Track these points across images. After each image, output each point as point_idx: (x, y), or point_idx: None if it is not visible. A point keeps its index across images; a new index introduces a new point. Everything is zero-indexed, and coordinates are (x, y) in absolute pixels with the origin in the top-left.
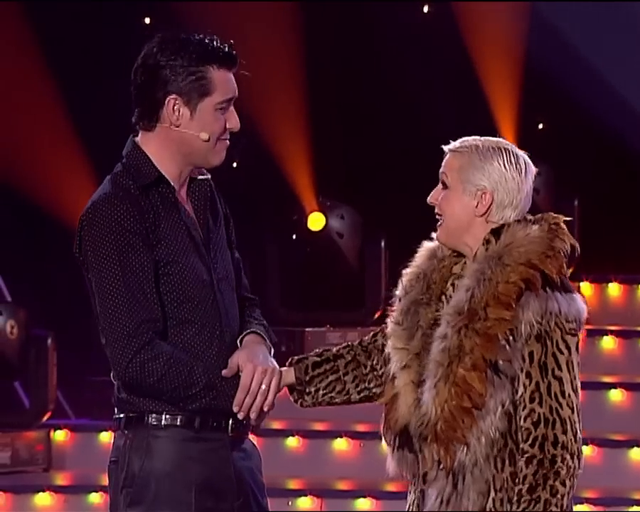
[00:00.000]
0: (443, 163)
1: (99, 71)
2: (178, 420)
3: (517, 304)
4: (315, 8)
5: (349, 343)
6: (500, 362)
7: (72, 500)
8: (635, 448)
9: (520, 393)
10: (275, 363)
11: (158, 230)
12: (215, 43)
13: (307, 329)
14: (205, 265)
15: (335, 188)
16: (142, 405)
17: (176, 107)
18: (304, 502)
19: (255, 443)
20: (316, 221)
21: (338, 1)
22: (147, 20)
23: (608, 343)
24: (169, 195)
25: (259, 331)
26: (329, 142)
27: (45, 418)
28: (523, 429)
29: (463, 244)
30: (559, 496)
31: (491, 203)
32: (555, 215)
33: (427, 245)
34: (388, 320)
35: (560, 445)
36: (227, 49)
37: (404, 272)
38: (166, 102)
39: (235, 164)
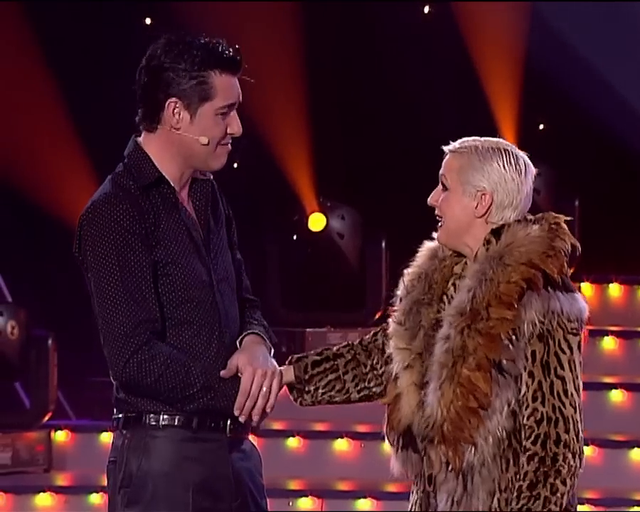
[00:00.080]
0: (442, 165)
1: (99, 71)
2: (176, 420)
3: (519, 303)
4: (315, 9)
5: (349, 342)
6: (504, 361)
7: (72, 501)
8: (635, 448)
9: (522, 392)
10: (275, 363)
11: (158, 230)
12: (219, 47)
13: (308, 330)
14: (205, 266)
15: (335, 188)
16: (140, 405)
17: (176, 111)
18: (305, 502)
19: (255, 444)
20: (316, 221)
21: (338, 2)
22: (148, 21)
23: (608, 343)
24: (170, 196)
25: (258, 332)
26: (330, 142)
27: (45, 418)
28: (526, 427)
29: (463, 244)
30: (559, 494)
31: (491, 204)
32: (556, 214)
33: (428, 245)
34: (390, 320)
35: (562, 444)
36: (231, 54)
37: (405, 271)
38: (167, 104)
39: (235, 165)
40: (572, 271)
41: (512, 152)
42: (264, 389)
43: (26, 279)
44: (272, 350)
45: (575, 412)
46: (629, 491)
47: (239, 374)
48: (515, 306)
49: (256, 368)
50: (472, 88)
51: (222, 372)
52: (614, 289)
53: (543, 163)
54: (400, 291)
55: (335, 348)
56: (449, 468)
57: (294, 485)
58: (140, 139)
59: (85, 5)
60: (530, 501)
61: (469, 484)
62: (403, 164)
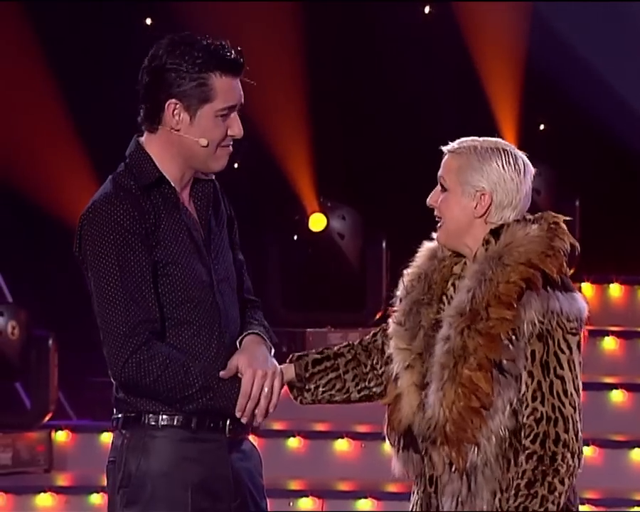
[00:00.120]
0: (441, 165)
1: (99, 71)
2: (175, 421)
3: (518, 303)
4: (316, 9)
5: (350, 342)
6: (505, 361)
7: (73, 501)
8: (636, 449)
9: (522, 392)
10: (276, 362)
11: (158, 230)
12: (221, 49)
13: (308, 330)
14: (206, 266)
15: (336, 188)
16: (139, 405)
17: (175, 112)
18: (305, 503)
19: (255, 444)
20: (317, 222)
21: (339, 2)
22: (148, 21)
23: (609, 343)
24: (171, 196)
25: (259, 332)
26: (330, 143)
27: (46, 419)
28: (526, 426)
29: (463, 245)
30: (556, 493)
31: (490, 204)
32: (555, 214)
33: (427, 245)
34: (390, 320)
35: (561, 443)
36: (233, 56)
37: (405, 272)
38: (166, 105)
39: (236, 165)
40: (572, 271)
41: (511, 152)
42: (266, 390)
43: (27, 279)
44: (273, 350)
45: (575, 411)
46: (630, 491)
47: (239, 375)
48: (515, 306)
49: (256, 369)
50: (472, 88)
51: (221, 373)
52: (615, 289)
53: (543, 163)
54: (399, 292)
55: (335, 348)
56: (453, 468)
57: (294, 485)
58: (142, 139)
59: (85, 5)
60: (528, 500)
61: (473, 484)
62: (403, 164)
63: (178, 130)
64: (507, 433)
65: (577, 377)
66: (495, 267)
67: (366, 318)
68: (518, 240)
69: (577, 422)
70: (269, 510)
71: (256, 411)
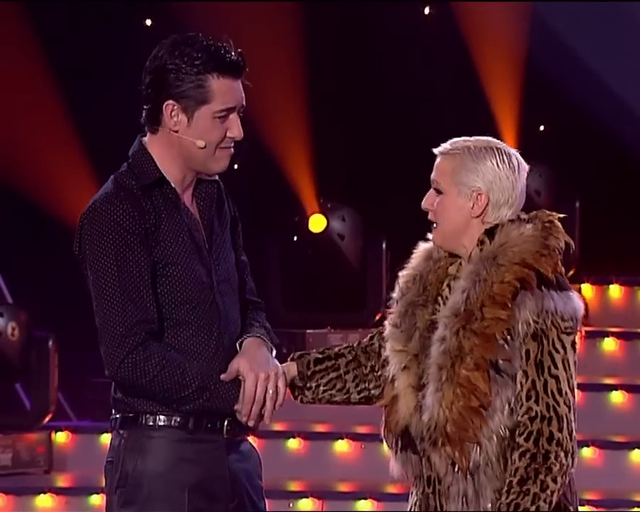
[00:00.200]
0: (434, 168)
1: (99, 71)
2: (173, 421)
3: (513, 303)
4: (316, 9)
5: (350, 343)
6: (501, 361)
7: (73, 502)
8: (636, 450)
9: (517, 391)
10: (277, 363)
11: (158, 231)
12: (221, 50)
13: (308, 331)
14: (206, 267)
15: (336, 189)
16: (137, 406)
17: (173, 113)
18: (305, 504)
19: (255, 445)
20: (317, 223)
21: (338, 2)
22: (148, 22)
23: (609, 344)
24: (171, 197)
25: (259, 334)
26: (330, 143)
27: (46, 420)
28: (520, 424)
29: (460, 245)
30: (549, 491)
31: (487, 204)
32: (549, 212)
33: (423, 246)
34: (386, 322)
35: (555, 442)
36: (232, 58)
37: (400, 274)
38: (164, 106)
39: (236, 166)
40: (572, 272)
41: (504, 150)
42: (271, 391)
43: (27, 279)
44: (275, 352)
45: (569, 410)
46: (630, 493)
47: (240, 378)
48: (509, 306)
49: (258, 373)
50: (472, 89)
51: (222, 376)
52: (615, 290)
53: (543, 163)
54: (395, 294)
55: (336, 348)
56: (456, 469)
57: (294, 486)
58: (145, 139)
59: (85, 5)
60: (520, 497)
61: (477, 484)
62: (403, 165)
63: (176, 131)
64: (507, 432)
65: (571, 377)
66: (489, 267)
67: (366, 319)
68: (512, 240)
69: (571, 421)
70: (268, 511)
71: (263, 411)
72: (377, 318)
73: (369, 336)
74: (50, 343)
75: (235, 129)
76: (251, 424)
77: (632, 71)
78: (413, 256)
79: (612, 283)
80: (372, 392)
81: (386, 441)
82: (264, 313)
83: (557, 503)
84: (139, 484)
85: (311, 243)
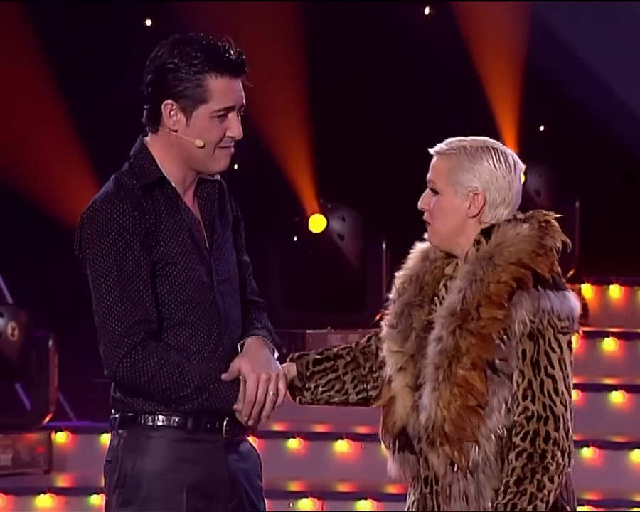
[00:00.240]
0: (430, 168)
1: (99, 71)
2: (172, 421)
3: (509, 303)
4: (316, 9)
5: (348, 344)
6: (497, 361)
7: (73, 502)
8: (636, 450)
9: (514, 391)
10: (278, 364)
11: (158, 230)
12: (220, 49)
13: (308, 331)
14: (206, 267)
15: (336, 189)
16: (136, 405)
17: (172, 113)
18: (305, 504)
19: (255, 445)
20: (317, 223)
21: (338, 2)
22: (148, 22)
23: (609, 344)
24: (172, 196)
25: (260, 335)
26: (330, 143)
27: (46, 420)
28: (517, 424)
29: (456, 245)
30: (545, 491)
31: (484, 204)
32: (546, 212)
33: (419, 247)
34: (382, 323)
35: (551, 441)
36: (231, 57)
37: (397, 274)
38: (163, 106)
39: (236, 166)
40: (572, 272)
41: (500, 150)
42: (271, 393)
43: (27, 279)
44: (277, 354)
45: (566, 410)
46: (630, 493)
47: (240, 378)
48: (506, 305)
49: (259, 373)
50: (472, 89)
51: (223, 376)
52: (615, 291)
53: (544, 164)
54: (391, 294)
55: (335, 349)
56: (455, 468)
57: (294, 486)
58: (146, 139)
59: (85, 5)
60: (516, 497)
61: (476, 483)
62: (403, 165)
63: (175, 131)
64: (504, 431)
65: (568, 376)
66: (486, 267)
67: (366, 319)
68: (508, 240)
69: (567, 420)
70: (268, 511)
71: (262, 412)
72: (377, 318)
73: (366, 337)
74: (50, 343)
75: (235, 129)
76: (250, 423)
77: (632, 71)
78: (409, 256)
79: (612, 283)
80: (371, 393)
81: (384, 442)
82: (266, 314)
83: (554, 502)
84: (138, 484)
85: (311, 243)
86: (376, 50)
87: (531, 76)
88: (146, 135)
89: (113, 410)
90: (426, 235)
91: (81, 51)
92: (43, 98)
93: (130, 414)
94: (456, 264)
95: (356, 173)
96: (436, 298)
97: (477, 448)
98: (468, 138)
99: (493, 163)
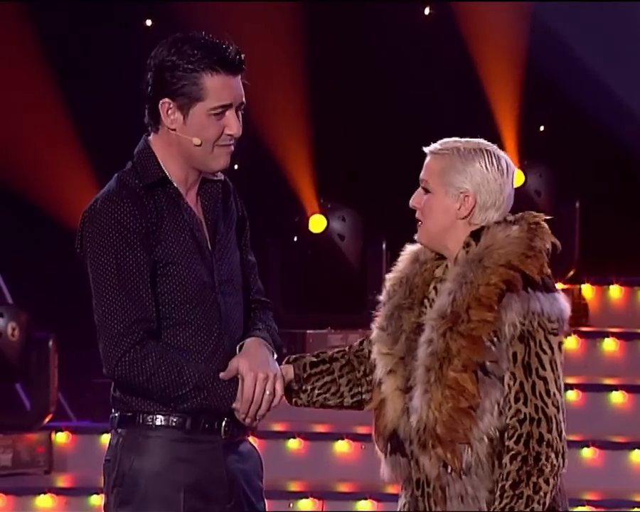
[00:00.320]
0: (424, 167)
1: (99, 71)
2: (170, 421)
3: (499, 305)
4: (316, 9)
5: (342, 348)
6: (488, 363)
7: (73, 502)
8: (636, 450)
9: (505, 393)
10: (277, 365)
11: (159, 230)
12: (217, 47)
13: (308, 331)
14: (207, 267)
15: (336, 189)
16: (135, 405)
17: (170, 111)
18: (305, 504)
19: (255, 446)
20: (317, 223)
21: (338, 2)
22: (148, 22)
23: (609, 345)
24: (174, 196)
25: (260, 335)
26: (330, 144)
27: (46, 420)
28: (509, 427)
29: (444, 247)
30: (542, 493)
31: (474, 206)
32: (535, 213)
33: (409, 249)
34: (373, 325)
35: (545, 443)
36: (226, 54)
37: (387, 276)
38: (160, 105)
39: (236, 166)
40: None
41: (493, 153)
42: (267, 392)
43: (27, 280)
44: (276, 355)
45: (558, 411)
46: (630, 493)
47: (238, 377)
48: (495, 308)
49: (257, 373)
50: (472, 89)
51: (221, 375)
52: (615, 291)
53: (544, 164)
54: (382, 296)
55: (330, 352)
56: (449, 470)
57: (294, 486)
58: (150, 138)
59: (85, 5)
60: (513, 501)
61: (469, 485)
62: (403, 165)
63: (174, 129)
64: (497, 433)
65: (559, 378)
66: (475, 269)
67: (366, 320)
68: (498, 242)
69: (560, 421)
70: (268, 511)
71: (257, 413)
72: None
73: (359, 340)
74: (50, 343)
75: (233, 126)
76: (248, 422)
77: (632, 71)
78: (400, 259)
79: (612, 283)
80: (364, 396)
81: (376, 444)
82: (271, 313)
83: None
84: (136, 484)
85: (311, 243)
86: (376, 50)
87: (531, 76)
88: (150, 134)
89: (113, 409)
90: (416, 236)
91: (81, 51)
92: (43, 98)
93: (129, 414)
94: (446, 266)
95: (356, 173)
96: (426, 300)
97: (470, 450)
98: (464, 139)
99: (485, 166)
